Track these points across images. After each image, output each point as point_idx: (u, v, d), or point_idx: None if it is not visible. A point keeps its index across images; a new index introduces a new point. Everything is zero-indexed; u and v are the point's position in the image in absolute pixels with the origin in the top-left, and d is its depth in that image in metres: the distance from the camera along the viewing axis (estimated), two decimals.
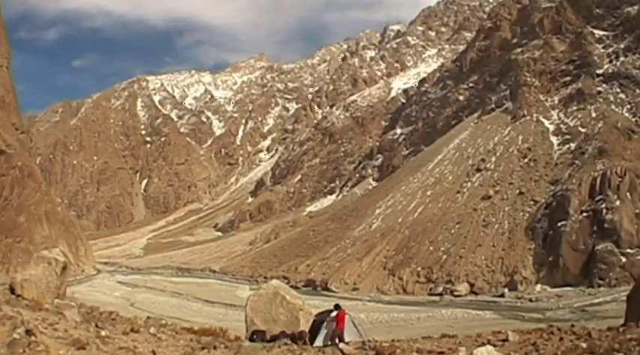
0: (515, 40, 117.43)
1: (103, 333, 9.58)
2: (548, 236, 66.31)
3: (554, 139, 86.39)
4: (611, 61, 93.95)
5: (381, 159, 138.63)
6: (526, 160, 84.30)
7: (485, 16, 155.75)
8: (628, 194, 63.96)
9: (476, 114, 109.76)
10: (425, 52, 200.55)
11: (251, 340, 14.31)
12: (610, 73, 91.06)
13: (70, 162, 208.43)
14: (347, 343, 13.07)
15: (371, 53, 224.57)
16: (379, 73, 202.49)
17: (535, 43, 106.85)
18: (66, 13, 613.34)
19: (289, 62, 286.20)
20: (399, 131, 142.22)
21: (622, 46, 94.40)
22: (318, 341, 13.53)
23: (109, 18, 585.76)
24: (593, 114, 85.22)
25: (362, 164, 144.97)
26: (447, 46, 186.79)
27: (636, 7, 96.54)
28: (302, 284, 78.78)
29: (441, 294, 65.71)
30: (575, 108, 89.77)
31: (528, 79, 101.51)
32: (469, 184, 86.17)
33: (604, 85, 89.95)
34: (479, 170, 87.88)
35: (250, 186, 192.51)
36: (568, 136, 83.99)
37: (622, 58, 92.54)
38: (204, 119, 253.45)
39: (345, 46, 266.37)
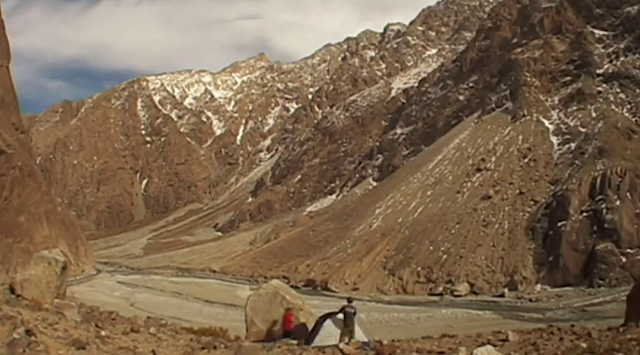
0: (515, 40, 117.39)
1: (103, 333, 9.59)
2: (548, 236, 66.30)
3: (554, 139, 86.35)
4: (611, 61, 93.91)
5: (381, 159, 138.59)
6: (526, 160, 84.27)
7: (486, 16, 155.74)
8: (628, 194, 63.93)
9: (476, 114, 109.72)
10: (425, 52, 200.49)
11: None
12: (610, 73, 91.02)
13: (70, 162, 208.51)
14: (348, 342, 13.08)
15: (371, 53, 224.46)
16: (379, 73, 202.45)
17: (535, 43, 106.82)
18: (120, 70, 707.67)
19: (289, 62, 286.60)
20: (399, 131, 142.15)
21: (622, 46, 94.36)
22: (317, 341, 13.54)
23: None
24: (593, 114, 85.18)
25: (362, 164, 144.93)
26: (447, 46, 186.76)
27: (636, 7, 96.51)
28: (302, 284, 78.73)
29: (441, 294, 65.68)
30: (575, 108, 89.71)
31: (528, 78, 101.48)
32: (469, 184, 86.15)
33: (604, 85, 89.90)
34: (479, 170, 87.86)
35: (250, 186, 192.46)
36: (568, 136, 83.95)
37: (622, 58, 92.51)
38: (204, 119, 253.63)
39: (345, 46, 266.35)
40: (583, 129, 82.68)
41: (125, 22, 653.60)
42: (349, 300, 14.50)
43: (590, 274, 59.30)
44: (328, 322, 14.01)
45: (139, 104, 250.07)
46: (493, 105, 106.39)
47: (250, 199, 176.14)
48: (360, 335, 13.75)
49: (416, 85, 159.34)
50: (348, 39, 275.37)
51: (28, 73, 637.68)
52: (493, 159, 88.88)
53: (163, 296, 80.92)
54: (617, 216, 61.61)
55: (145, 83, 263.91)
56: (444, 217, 79.80)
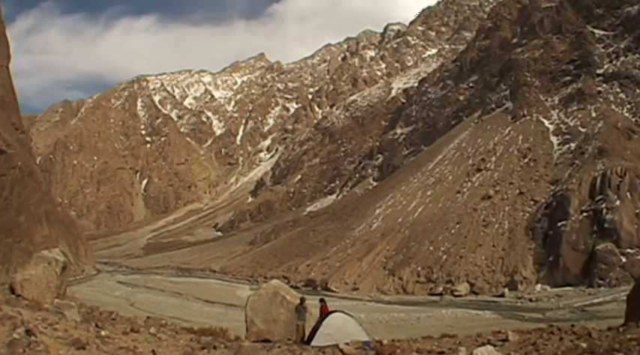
0: (515, 40, 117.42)
1: (103, 333, 9.58)
2: (548, 236, 66.25)
3: (554, 139, 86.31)
4: (611, 61, 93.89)
5: (381, 159, 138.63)
6: (526, 160, 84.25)
7: (486, 16, 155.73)
8: (628, 194, 63.89)
9: (476, 114, 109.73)
10: (425, 52, 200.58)
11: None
12: (610, 73, 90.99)
13: (70, 162, 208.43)
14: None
15: (371, 53, 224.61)
16: (379, 73, 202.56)
17: (535, 43, 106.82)
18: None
19: (289, 62, 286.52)
20: (399, 131, 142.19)
21: (622, 46, 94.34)
22: (315, 341, 13.54)
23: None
24: (593, 114, 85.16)
25: (362, 164, 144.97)
26: (447, 46, 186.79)
27: (636, 7, 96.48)
28: (302, 284, 78.70)
29: (441, 294, 65.64)
30: (575, 108, 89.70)
31: (528, 78, 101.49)
32: (469, 184, 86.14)
33: (604, 85, 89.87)
34: (479, 170, 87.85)
35: (250, 186, 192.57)
36: (568, 136, 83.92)
37: (622, 58, 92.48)
38: (204, 119, 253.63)
39: (345, 46, 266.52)
40: (583, 129, 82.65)
41: (136, 45, 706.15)
42: (302, 300, 15.36)
43: (590, 274, 59.24)
44: (327, 322, 14.01)
45: (139, 104, 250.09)
46: (493, 105, 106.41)
47: (250, 199, 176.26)
48: (360, 334, 13.74)
49: (416, 85, 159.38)
50: (348, 39, 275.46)
51: (47, 84, 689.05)
52: (493, 159, 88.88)
53: (163, 296, 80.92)
54: (617, 216, 61.55)
55: (145, 83, 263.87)
56: (444, 217, 79.78)
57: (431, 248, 74.26)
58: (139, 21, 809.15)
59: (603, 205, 63.18)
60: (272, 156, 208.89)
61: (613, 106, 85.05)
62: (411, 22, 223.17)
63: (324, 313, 15.02)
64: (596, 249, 60.16)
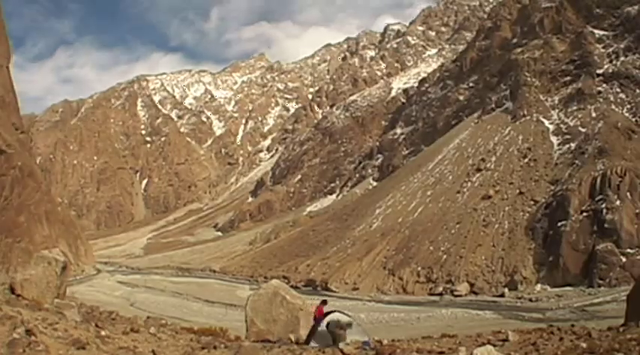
0: (515, 40, 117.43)
1: (103, 333, 9.58)
2: (548, 236, 66.23)
3: (554, 139, 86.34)
4: (611, 61, 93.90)
5: (381, 159, 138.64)
6: (526, 160, 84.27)
7: (486, 16, 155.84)
8: (628, 194, 63.87)
9: (476, 114, 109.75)
10: (425, 52, 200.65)
11: None
12: (610, 73, 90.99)
13: (70, 162, 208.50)
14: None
15: (371, 53, 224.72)
16: (379, 73, 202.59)
17: (535, 43, 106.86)
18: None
19: (289, 62, 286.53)
20: (399, 131, 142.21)
21: (622, 46, 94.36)
22: (315, 342, 13.51)
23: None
24: (593, 114, 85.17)
25: (362, 164, 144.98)
26: (447, 46, 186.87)
27: (636, 7, 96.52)
28: (302, 284, 78.71)
29: (441, 294, 65.64)
30: (575, 108, 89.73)
31: (528, 78, 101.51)
32: (469, 184, 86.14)
33: (604, 85, 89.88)
34: (479, 170, 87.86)
35: (250, 186, 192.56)
36: (568, 136, 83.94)
37: (622, 58, 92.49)
38: (204, 119, 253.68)
39: (346, 46, 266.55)
40: (583, 129, 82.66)
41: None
42: (324, 302, 14.42)
43: (590, 274, 59.22)
44: (326, 322, 13.97)
45: (139, 104, 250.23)
46: (493, 105, 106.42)
47: (250, 199, 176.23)
48: (360, 334, 13.72)
49: (416, 85, 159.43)
50: (348, 39, 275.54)
51: None
52: (493, 159, 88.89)
53: (163, 296, 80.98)
54: (617, 216, 61.53)
55: (145, 83, 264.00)
56: (444, 217, 79.78)
57: (431, 248, 74.26)
58: (165, 57, 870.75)
59: (603, 205, 63.16)
60: (272, 156, 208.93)
61: (613, 106, 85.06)
62: (411, 22, 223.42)
63: (319, 314, 14.76)
64: (596, 249, 60.13)
